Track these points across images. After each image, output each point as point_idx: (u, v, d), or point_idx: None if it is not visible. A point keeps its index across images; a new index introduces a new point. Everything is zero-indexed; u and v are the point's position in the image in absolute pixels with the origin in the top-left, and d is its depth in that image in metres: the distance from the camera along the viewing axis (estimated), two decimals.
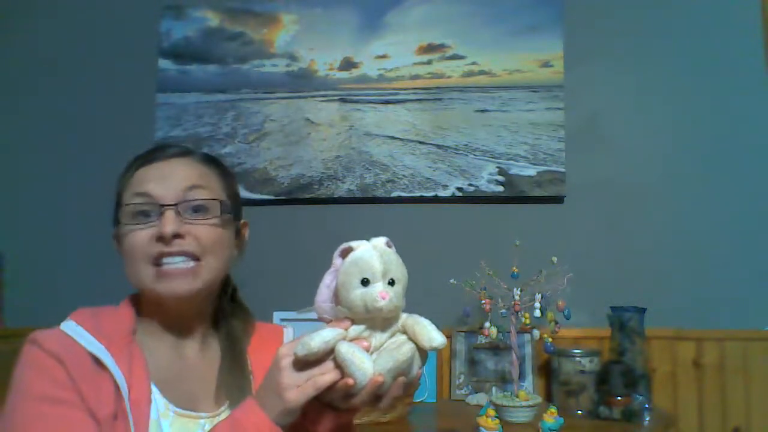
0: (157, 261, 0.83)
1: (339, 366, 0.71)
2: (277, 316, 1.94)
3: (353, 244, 0.76)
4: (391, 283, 0.73)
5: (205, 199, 0.87)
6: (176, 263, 0.83)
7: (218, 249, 0.87)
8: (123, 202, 0.87)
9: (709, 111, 2.01)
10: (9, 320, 2.19)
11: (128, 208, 0.85)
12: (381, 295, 0.71)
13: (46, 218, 2.24)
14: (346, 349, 0.70)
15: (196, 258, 0.84)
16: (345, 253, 0.75)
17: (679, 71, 2.04)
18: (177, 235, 0.83)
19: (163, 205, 0.84)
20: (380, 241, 0.77)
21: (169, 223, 0.83)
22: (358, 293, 0.72)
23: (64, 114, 2.28)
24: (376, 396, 0.72)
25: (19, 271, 2.22)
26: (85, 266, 2.13)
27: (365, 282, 0.72)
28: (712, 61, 2.02)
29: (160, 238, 0.82)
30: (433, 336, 0.73)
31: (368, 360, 0.70)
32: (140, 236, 0.83)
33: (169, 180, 0.86)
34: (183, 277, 0.83)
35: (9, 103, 2.32)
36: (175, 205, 0.84)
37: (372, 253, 0.74)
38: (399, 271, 0.75)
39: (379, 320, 0.73)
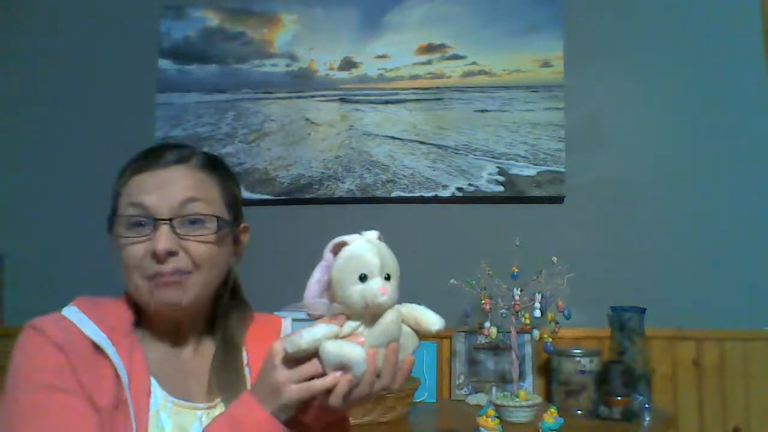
0: (151, 277, 0.82)
1: (328, 366, 0.69)
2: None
3: (346, 238, 0.74)
4: (387, 277, 0.72)
5: (201, 214, 0.84)
6: (168, 276, 0.81)
7: (211, 264, 0.85)
8: (118, 210, 0.85)
9: (709, 111, 2.01)
10: (9, 320, 2.19)
11: (123, 219, 0.83)
12: (381, 290, 0.70)
13: (46, 218, 2.24)
14: (337, 348, 0.69)
15: (187, 272, 0.83)
16: (338, 248, 0.74)
17: (679, 71, 2.03)
18: (170, 253, 0.81)
19: (157, 219, 0.82)
20: (373, 235, 0.76)
21: (163, 240, 0.80)
22: (356, 289, 0.71)
23: (64, 114, 2.28)
24: (377, 377, 0.71)
25: (19, 271, 2.22)
26: (85, 266, 2.13)
27: (363, 278, 0.71)
28: (712, 61, 2.02)
29: (154, 255, 0.81)
30: (433, 320, 0.75)
31: (358, 347, 0.69)
32: (134, 251, 0.82)
33: (165, 190, 0.83)
34: (174, 288, 0.82)
35: (9, 103, 2.32)
36: (169, 220, 0.82)
37: (367, 247, 0.73)
38: (393, 265, 0.74)
39: (369, 315, 0.72)
